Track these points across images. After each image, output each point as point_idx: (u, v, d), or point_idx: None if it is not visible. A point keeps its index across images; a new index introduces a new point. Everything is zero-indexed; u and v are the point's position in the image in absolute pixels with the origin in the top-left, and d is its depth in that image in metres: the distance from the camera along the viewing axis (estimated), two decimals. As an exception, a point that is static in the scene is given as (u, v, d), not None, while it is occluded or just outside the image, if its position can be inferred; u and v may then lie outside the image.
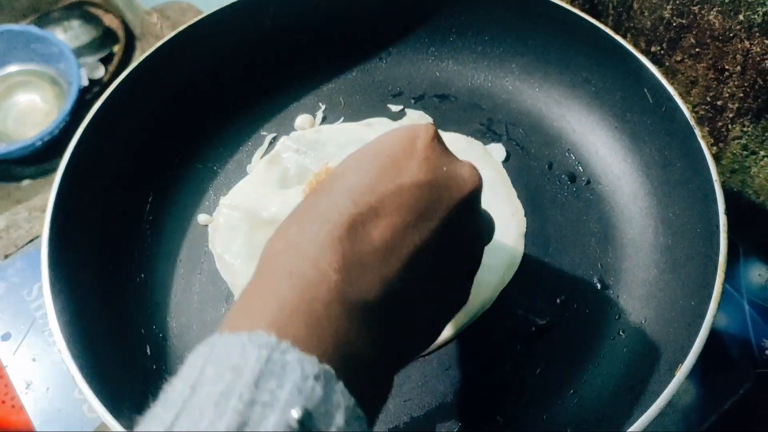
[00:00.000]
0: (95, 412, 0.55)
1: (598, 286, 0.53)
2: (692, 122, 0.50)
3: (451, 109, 0.63)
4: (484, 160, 0.59)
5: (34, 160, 1.63)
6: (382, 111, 0.64)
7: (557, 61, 0.61)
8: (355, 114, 0.63)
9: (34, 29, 1.65)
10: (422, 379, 0.49)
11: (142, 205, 0.57)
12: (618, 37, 0.55)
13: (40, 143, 1.55)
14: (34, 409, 0.56)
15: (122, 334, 0.49)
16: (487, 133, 0.61)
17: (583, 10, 0.66)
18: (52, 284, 0.45)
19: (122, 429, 0.40)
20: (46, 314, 0.59)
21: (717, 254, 0.45)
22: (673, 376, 0.41)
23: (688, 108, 0.51)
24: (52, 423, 0.55)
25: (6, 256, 0.75)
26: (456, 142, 0.60)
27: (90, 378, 0.41)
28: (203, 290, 0.54)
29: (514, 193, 0.57)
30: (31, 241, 0.76)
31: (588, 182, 0.58)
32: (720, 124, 0.64)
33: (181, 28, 0.57)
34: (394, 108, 0.63)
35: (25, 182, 1.64)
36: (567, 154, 0.59)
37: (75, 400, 0.56)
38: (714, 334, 0.59)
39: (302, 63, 0.64)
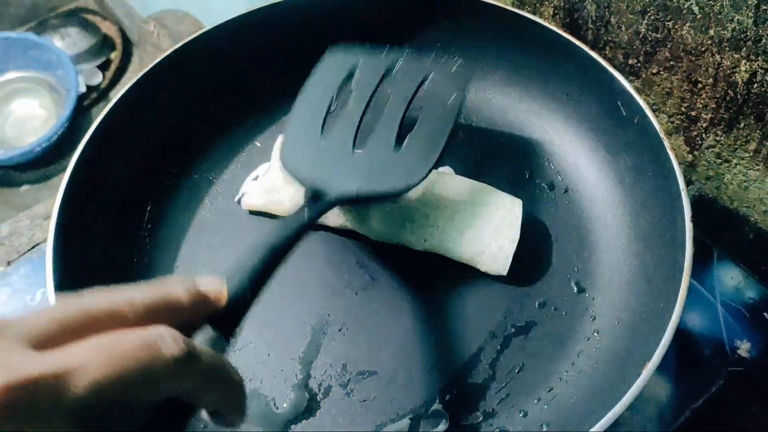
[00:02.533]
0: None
1: (575, 289, 0.56)
2: (662, 134, 0.53)
3: (437, 121, 0.66)
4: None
5: (33, 166, 1.65)
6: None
7: (537, 75, 0.64)
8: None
9: (32, 36, 1.67)
10: (407, 379, 0.52)
11: (140, 214, 0.59)
12: (593, 53, 0.58)
13: (38, 149, 1.57)
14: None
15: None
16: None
17: (563, 25, 0.69)
18: (57, 291, 0.47)
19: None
20: (49, 318, 0.62)
21: (684, 259, 0.47)
22: (639, 374, 0.44)
23: (658, 120, 0.54)
24: (55, 423, 0.57)
25: (9, 263, 0.77)
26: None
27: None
28: (200, 295, 0.56)
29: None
30: (33, 247, 0.79)
31: (566, 190, 0.61)
32: (695, 133, 0.67)
33: (179, 44, 0.60)
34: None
35: (24, 188, 1.67)
36: (546, 164, 0.62)
37: (77, 400, 0.58)
38: (688, 334, 0.62)
39: (294, 76, 0.66)
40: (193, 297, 0.31)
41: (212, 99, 0.64)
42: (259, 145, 0.65)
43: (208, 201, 0.61)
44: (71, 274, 0.50)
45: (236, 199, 0.61)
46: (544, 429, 0.49)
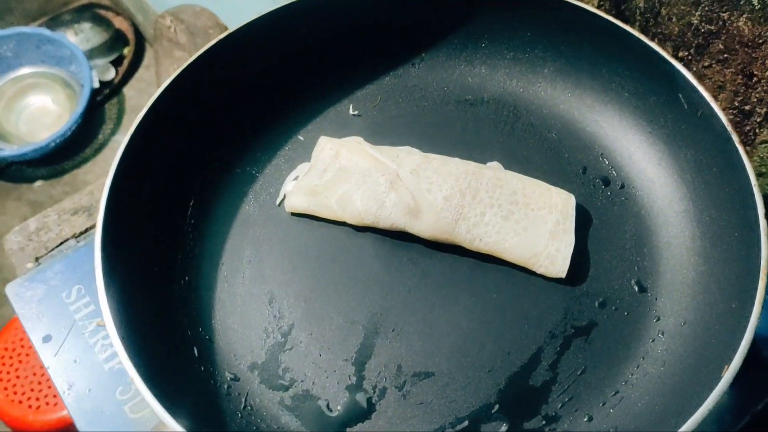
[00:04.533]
0: (138, 413, 0.56)
1: (636, 288, 0.54)
2: (729, 128, 0.51)
3: (484, 114, 0.64)
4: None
5: (47, 161, 1.64)
6: (413, 115, 0.64)
7: (589, 67, 0.62)
8: (387, 120, 0.64)
9: (45, 31, 1.65)
10: (465, 381, 0.50)
11: (184, 210, 0.57)
12: (652, 43, 0.56)
13: (52, 145, 1.55)
14: (77, 410, 0.56)
15: (170, 336, 0.50)
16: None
17: (609, 16, 0.67)
18: (107, 288, 0.45)
19: (182, 429, 0.41)
20: (85, 316, 0.61)
21: (758, 257, 0.45)
22: (719, 377, 0.42)
23: (724, 113, 0.52)
24: (95, 424, 0.56)
25: (37, 259, 0.75)
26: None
27: (147, 380, 0.42)
28: (246, 292, 0.54)
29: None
30: (62, 243, 0.77)
31: (622, 186, 0.59)
32: (747, 128, 0.65)
33: (220, 37, 0.58)
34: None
35: (38, 183, 1.65)
36: (600, 159, 0.60)
37: (117, 401, 0.57)
38: None
39: (337, 69, 0.65)
40: None
41: (254, 93, 0.63)
42: (302, 139, 0.63)
43: (251, 195, 0.59)
44: (116, 271, 0.48)
45: (277, 202, 0.59)
46: (612, 434, 0.47)
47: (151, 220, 0.54)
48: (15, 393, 1.01)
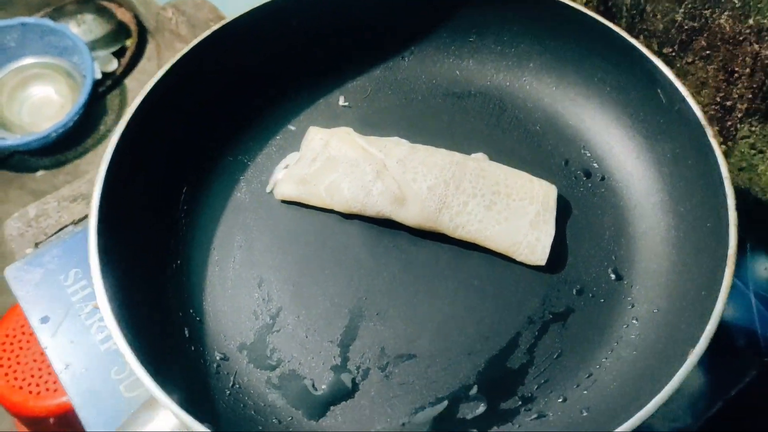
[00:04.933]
0: (133, 392, 0.58)
1: (613, 276, 0.55)
2: (704, 122, 0.52)
3: (471, 107, 0.66)
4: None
5: (49, 151, 1.66)
6: (402, 107, 0.66)
7: (573, 62, 0.63)
8: (377, 112, 0.66)
9: (49, 22, 1.66)
10: (446, 363, 0.52)
11: (177, 196, 0.59)
12: (632, 40, 0.58)
13: (54, 135, 1.57)
14: (73, 389, 0.58)
15: (163, 318, 0.52)
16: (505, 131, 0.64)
17: (597, 12, 0.69)
18: (102, 271, 0.47)
19: (174, 403, 0.42)
20: (82, 299, 0.63)
21: (726, 248, 0.47)
22: (684, 360, 0.44)
23: (700, 108, 0.53)
24: (90, 402, 0.58)
25: (36, 245, 0.77)
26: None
27: (140, 359, 0.44)
28: (236, 276, 0.56)
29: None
30: (61, 229, 0.79)
31: (602, 178, 0.61)
32: (729, 123, 0.67)
33: (214, 28, 0.59)
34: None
35: (40, 173, 1.67)
36: (582, 152, 0.62)
37: (112, 380, 0.59)
38: (721, 324, 0.61)
39: (328, 61, 0.67)
40: None
41: (247, 83, 0.64)
42: (293, 129, 0.65)
43: (243, 183, 0.61)
44: (110, 255, 0.50)
45: (268, 190, 0.61)
46: (584, 414, 0.49)
47: (144, 205, 0.56)
48: (16, 379, 1.03)
